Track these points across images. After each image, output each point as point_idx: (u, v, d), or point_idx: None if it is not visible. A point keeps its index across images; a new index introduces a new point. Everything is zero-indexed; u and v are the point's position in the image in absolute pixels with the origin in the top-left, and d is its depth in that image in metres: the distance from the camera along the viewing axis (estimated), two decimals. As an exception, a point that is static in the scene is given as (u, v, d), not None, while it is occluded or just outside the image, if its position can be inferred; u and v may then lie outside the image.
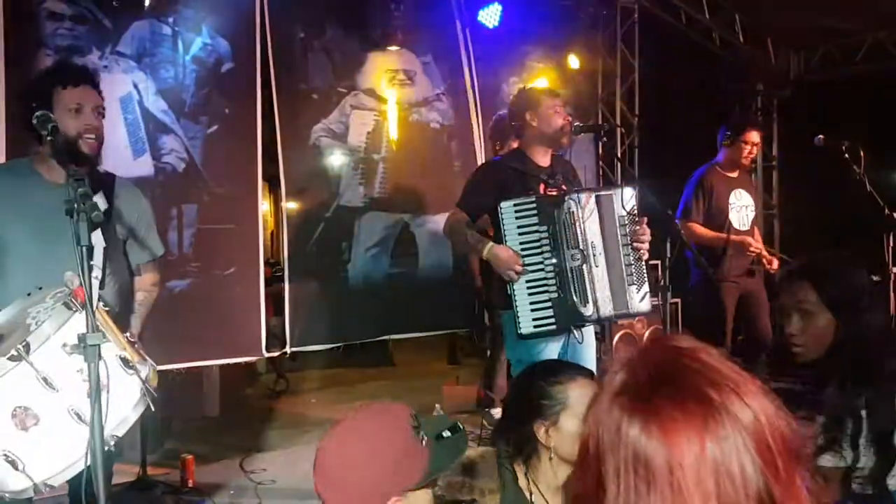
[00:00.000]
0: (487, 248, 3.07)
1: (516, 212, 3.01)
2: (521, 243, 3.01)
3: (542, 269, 3.00)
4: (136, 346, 2.17)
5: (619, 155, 6.42)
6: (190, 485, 3.70)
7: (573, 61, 6.26)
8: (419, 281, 5.41)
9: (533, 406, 1.87)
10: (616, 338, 5.30)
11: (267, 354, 4.59)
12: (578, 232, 3.01)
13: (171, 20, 4.47)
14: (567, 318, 3.01)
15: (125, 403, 1.93)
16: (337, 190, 5.14)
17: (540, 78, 6.01)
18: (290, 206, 4.95)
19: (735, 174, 4.71)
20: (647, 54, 6.61)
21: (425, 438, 1.38)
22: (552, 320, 2.99)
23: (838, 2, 6.19)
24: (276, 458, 4.36)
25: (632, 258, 3.08)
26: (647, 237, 3.05)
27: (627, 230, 3.11)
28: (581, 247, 3.00)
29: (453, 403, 5.47)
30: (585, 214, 3.03)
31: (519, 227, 3.01)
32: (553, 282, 2.99)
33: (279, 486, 3.79)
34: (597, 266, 3.02)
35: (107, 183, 2.57)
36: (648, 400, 0.79)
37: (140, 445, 3.84)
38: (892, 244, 3.99)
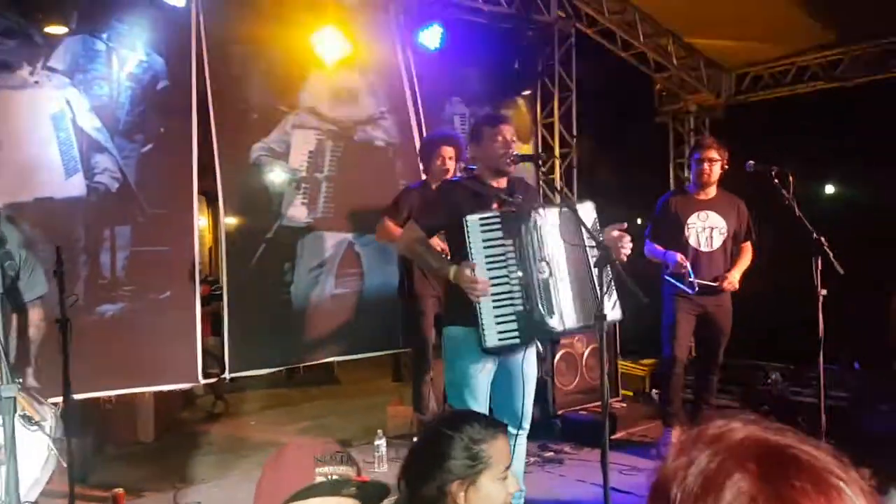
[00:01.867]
0: (453, 272, 3.07)
1: (482, 226, 3.03)
2: (486, 257, 3.02)
3: (507, 283, 3.02)
4: (31, 393, 2.03)
5: (557, 181, 6.51)
6: (122, 518, 3.57)
7: (513, 83, 6.34)
8: (364, 301, 5.37)
9: (449, 464, 1.77)
10: (557, 357, 5.35)
11: (203, 381, 4.48)
12: (545, 245, 3.04)
13: (105, 36, 4.36)
14: (531, 331, 3.04)
15: (34, 465, 1.81)
16: (279, 210, 5.07)
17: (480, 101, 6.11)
18: (229, 227, 4.85)
19: (707, 196, 4.79)
20: (584, 77, 6.74)
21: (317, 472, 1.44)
22: (516, 333, 3.01)
23: (766, 27, 6.42)
24: (210, 489, 4.24)
25: (597, 270, 3.07)
26: (629, 243, 3.08)
27: (593, 242, 3.12)
28: (547, 259, 3.03)
29: (397, 425, 5.43)
30: (550, 228, 3.07)
31: (484, 240, 3.02)
32: (518, 295, 3.01)
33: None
34: (562, 279, 3.06)
35: None
36: (781, 490, 0.76)
37: (68, 476, 3.68)
38: (820, 267, 4.12)
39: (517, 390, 3.20)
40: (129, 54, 4.42)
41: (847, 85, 6.84)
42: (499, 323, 3.00)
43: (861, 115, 7.03)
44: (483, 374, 3.11)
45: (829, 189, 8.85)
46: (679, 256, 4.58)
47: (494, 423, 1.89)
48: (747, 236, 4.85)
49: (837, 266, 4.05)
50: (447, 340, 3.22)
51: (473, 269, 2.99)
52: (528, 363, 3.22)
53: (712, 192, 4.80)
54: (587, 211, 3.15)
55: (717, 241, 4.73)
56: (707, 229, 4.74)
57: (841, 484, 0.76)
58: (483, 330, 2.99)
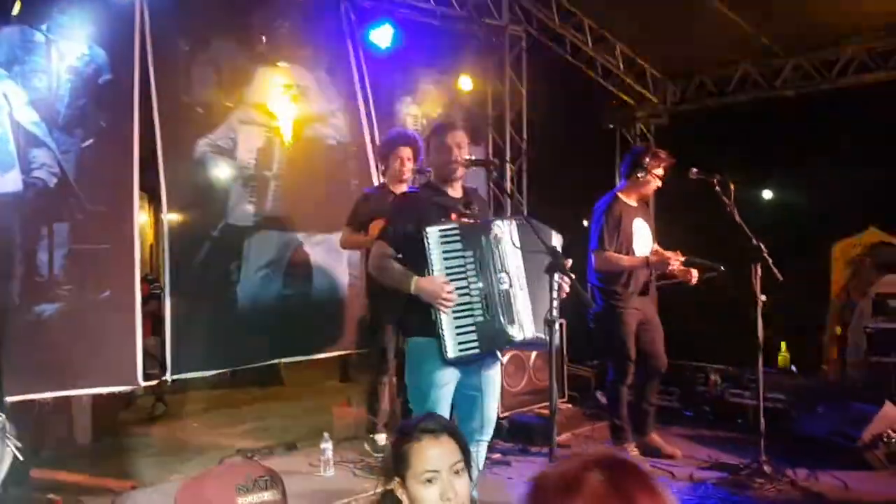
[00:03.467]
0: (413, 284, 3.07)
1: (441, 238, 3.04)
2: (446, 268, 3.04)
3: (467, 294, 3.04)
4: None
5: (507, 185, 6.53)
6: (58, 526, 3.45)
7: (464, 85, 6.35)
8: (313, 302, 5.29)
9: (391, 463, 1.90)
10: (506, 359, 5.37)
11: (144, 384, 4.36)
12: (505, 256, 3.07)
13: (44, 27, 4.20)
14: (491, 342, 3.07)
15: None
16: (224, 208, 4.96)
17: (432, 102, 6.11)
18: (171, 224, 4.72)
19: (636, 203, 4.83)
20: (535, 80, 6.79)
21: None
22: (476, 344, 3.03)
23: (711, 35, 6.57)
24: (150, 494, 4.14)
25: (548, 277, 3.00)
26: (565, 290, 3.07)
27: (548, 263, 3.13)
28: (507, 270, 3.06)
29: (343, 426, 5.41)
30: (509, 239, 3.10)
31: (444, 251, 3.04)
32: (479, 306, 3.04)
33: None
34: (522, 289, 3.09)
35: None
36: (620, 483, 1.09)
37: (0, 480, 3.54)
38: (759, 273, 4.24)
39: (480, 399, 3.22)
40: (70, 47, 4.27)
41: (788, 94, 7.05)
42: (459, 334, 3.02)
43: (801, 123, 7.26)
44: (446, 382, 3.13)
45: (768, 195, 9.10)
46: (668, 253, 4.58)
47: (429, 428, 1.90)
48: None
49: (776, 273, 4.18)
50: (411, 349, 3.23)
51: (443, 281, 3.00)
52: (492, 371, 3.25)
53: (637, 199, 4.86)
54: (549, 234, 3.18)
55: (648, 247, 4.82)
56: (643, 237, 4.82)
57: (661, 488, 1.11)
58: (444, 342, 3.00)
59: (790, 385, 5.68)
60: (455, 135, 3.27)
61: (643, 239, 4.80)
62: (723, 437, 5.22)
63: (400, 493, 1.85)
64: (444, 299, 2.99)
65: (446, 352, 3.00)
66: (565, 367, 6.08)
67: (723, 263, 4.39)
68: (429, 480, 1.81)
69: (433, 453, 1.84)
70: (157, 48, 4.58)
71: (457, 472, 1.84)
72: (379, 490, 1.93)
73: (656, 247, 4.87)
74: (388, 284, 3.25)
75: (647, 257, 4.65)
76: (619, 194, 4.84)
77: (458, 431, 1.94)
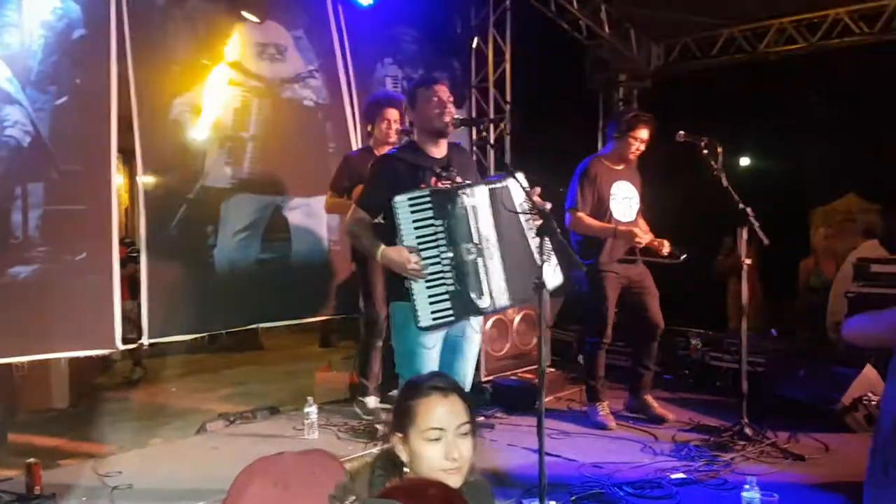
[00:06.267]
0: (380, 252, 3.03)
1: (411, 206, 2.97)
2: (417, 237, 2.97)
3: (438, 263, 2.99)
4: None
5: (491, 142, 6.46)
6: (37, 491, 3.39)
7: (447, 45, 6.24)
8: (292, 266, 5.22)
9: (395, 418, 1.86)
10: (489, 324, 5.37)
11: (122, 347, 4.27)
12: (472, 226, 3.02)
13: (15, -20, 4.03)
14: (465, 310, 3.03)
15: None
16: (201, 169, 4.85)
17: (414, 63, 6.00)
18: (147, 185, 4.59)
19: (620, 166, 4.78)
20: (519, 41, 6.68)
21: None
22: (450, 312, 2.99)
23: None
24: (132, 457, 4.09)
25: (538, 238, 2.93)
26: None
27: (528, 215, 3.08)
28: (475, 241, 3.01)
29: (326, 391, 5.38)
30: (479, 208, 3.04)
31: (414, 220, 2.97)
32: (450, 274, 2.99)
33: (136, 489, 3.53)
34: (491, 258, 3.04)
35: None
36: None
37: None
38: (745, 237, 4.23)
39: (458, 359, 3.20)
40: (42, 1, 4.11)
41: (771, 58, 7.03)
42: (432, 303, 2.97)
43: (782, 88, 7.26)
44: (432, 344, 3.09)
45: (745, 161, 9.13)
46: (636, 229, 4.57)
47: (439, 385, 1.86)
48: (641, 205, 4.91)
49: (762, 236, 4.17)
50: (395, 312, 3.19)
51: (409, 252, 2.95)
52: (472, 332, 3.22)
53: (623, 162, 4.82)
54: (519, 180, 3.12)
55: (634, 211, 4.80)
56: (626, 200, 4.78)
57: None
58: (416, 310, 2.96)
59: (770, 348, 5.73)
60: (444, 88, 3.20)
61: (624, 203, 4.76)
62: (703, 400, 5.27)
63: (400, 450, 1.81)
64: (410, 270, 2.94)
65: (419, 321, 2.96)
66: (548, 332, 6.10)
67: (709, 228, 4.38)
68: (434, 439, 1.78)
69: (441, 411, 1.79)
70: (133, 2, 4.43)
71: (462, 434, 1.80)
72: (374, 450, 1.89)
73: (640, 219, 4.86)
74: (361, 250, 3.20)
75: (615, 227, 4.62)
76: (602, 156, 4.86)
77: (467, 394, 1.90)
